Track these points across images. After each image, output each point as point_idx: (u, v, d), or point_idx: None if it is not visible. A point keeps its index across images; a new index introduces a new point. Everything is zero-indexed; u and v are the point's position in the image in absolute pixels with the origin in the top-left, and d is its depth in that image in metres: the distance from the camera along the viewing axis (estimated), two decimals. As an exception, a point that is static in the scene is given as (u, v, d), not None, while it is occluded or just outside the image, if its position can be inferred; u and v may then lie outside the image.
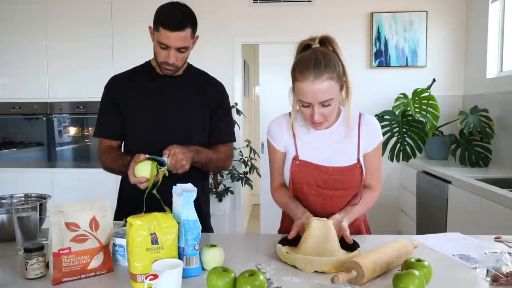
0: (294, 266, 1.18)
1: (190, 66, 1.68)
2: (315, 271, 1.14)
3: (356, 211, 1.41)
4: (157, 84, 1.61)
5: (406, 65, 3.87)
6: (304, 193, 1.41)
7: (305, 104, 1.29)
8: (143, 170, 1.32)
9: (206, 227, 1.67)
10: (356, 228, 1.50)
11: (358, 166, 1.40)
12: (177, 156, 1.39)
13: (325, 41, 1.33)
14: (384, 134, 3.45)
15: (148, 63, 1.66)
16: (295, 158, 1.40)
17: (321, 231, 1.24)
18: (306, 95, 1.26)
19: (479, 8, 3.61)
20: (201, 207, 1.61)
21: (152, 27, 1.53)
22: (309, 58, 1.26)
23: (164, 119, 1.59)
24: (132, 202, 1.60)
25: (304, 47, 1.34)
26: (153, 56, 1.62)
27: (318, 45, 1.31)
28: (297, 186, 1.41)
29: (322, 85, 1.24)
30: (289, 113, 1.45)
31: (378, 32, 3.85)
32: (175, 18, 1.45)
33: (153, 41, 1.54)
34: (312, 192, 1.40)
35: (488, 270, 1.08)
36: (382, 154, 3.55)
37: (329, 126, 1.40)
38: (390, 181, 3.93)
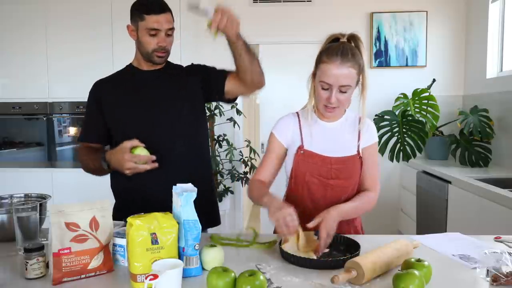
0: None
1: (168, 63, 1.72)
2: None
3: (348, 207, 1.41)
4: (140, 79, 1.65)
5: (406, 65, 3.87)
6: (306, 181, 1.47)
7: (325, 86, 1.38)
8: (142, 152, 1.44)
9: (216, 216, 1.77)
10: (355, 229, 1.55)
11: (358, 157, 1.48)
12: (228, 13, 1.40)
13: (352, 39, 1.43)
14: (384, 134, 3.45)
15: (129, 65, 1.70)
16: (300, 147, 1.48)
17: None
18: (330, 76, 1.36)
19: (479, 8, 3.61)
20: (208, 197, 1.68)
21: (131, 25, 1.59)
22: (338, 46, 1.38)
23: (150, 106, 1.61)
24: (127, 196, 1.62)
25: (333, 40, 1.44)
26: (133, 59, 1.68)
27: (346, 40, 1.42)
28: (300, 175, 1.48)
29: (345, 70, 1.35)
30: (297, 113, 1.55)
31: (378, 32, 3.85)
32: (157, 3, 1.55)
33: (135, 37, 1.59)
34: (314, 181, 1.46)
35: (488, 270, 1.09)
36: (382, 154, 3.55)
37: (334, 120, 1.50)
38: (390, 181, 3.93)
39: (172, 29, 1.57)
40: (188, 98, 1.65)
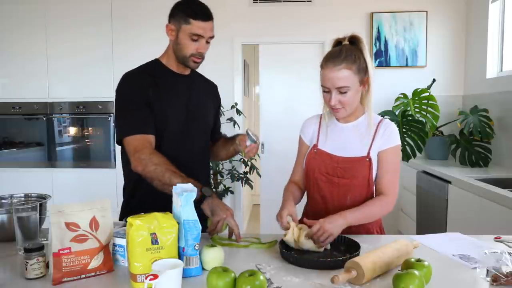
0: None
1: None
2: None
3: (357, 215, 1.39)
4: (177, 82, 1.62)
5: (406, 65, 3.87)
6: (315, 178, 1.55)
7: (325, 90, 1.45)
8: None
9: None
10: (367, 231, 1.53)
11: (367, 159, 1.48)
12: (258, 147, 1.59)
13: (354, 40, 1.46)
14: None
15: (156, 62, 1.63)
16: (314, 146, 1.57)
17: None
18: (325, 80, 1.43)
19: (479, 8, 3.61)
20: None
21: (170, 24, 1.54)
22: (334, 51, 1.44)
23: (188, 116, 1.61)
24: (149, 195, 1.51)
25: (337, 44, 1.49)
26: (160, 55, 1.63)
27: (347, 43, 1.46)
28: (310, 171, 1.56)
29: (339, 72, 1.39)
30: (321, 114, 1.61)
31: (378, 32, 3.85)
32: (204, 9, 1.54)
33: (173, 37, 1.54)
34: (322, 178, 1.53)
35: (488, 270, 1.09)
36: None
37: (351, 121, 1.53)
38: (390, 181, 3.93)
39: (213, 37, 1.58)
40: (211, 109, 1.75)
